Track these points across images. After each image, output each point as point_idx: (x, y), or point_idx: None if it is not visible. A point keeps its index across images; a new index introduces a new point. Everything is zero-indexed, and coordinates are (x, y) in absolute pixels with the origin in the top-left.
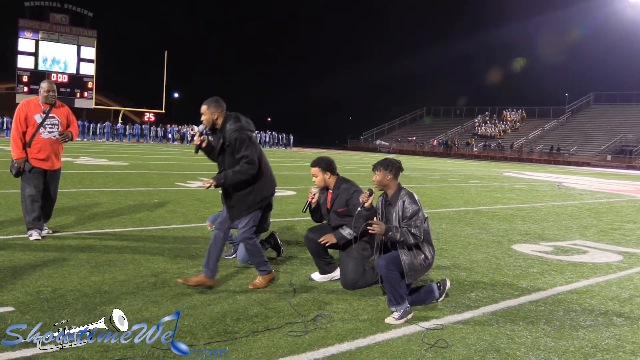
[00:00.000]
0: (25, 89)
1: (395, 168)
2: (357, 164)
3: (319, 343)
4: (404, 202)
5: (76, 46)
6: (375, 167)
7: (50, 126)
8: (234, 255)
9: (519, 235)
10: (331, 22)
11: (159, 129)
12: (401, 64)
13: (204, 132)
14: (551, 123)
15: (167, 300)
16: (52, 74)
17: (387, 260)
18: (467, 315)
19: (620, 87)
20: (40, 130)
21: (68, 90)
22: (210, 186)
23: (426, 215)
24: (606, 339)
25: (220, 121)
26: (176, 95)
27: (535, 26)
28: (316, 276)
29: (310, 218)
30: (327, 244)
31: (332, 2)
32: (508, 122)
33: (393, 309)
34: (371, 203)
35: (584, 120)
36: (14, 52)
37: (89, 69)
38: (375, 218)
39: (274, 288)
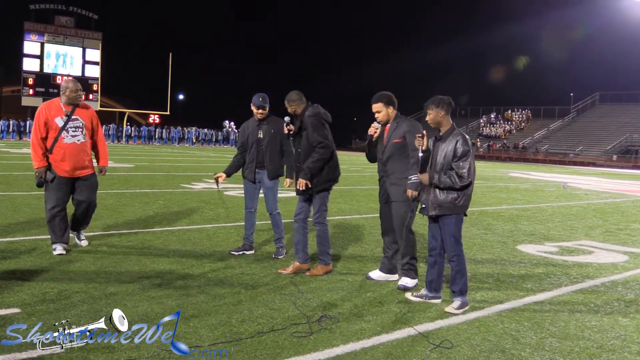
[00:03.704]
0: (31, 91)
1: (446, 104)
2: (362, 165)
3: (323, 344)
4: (457, 142)
5: (81, 48)
6: (427, 106)
7: (73, 129)
8: (242, 252)
9: (524, 235)
10: (331, 24)
11: (164, 130)
12: (404, 64)
13: (290, 122)
14: (556, 123)
15: (173, 301)
16: (58, 77)
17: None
18: (472, 315)
19: (626, 86)
20: (63, 135)
21: None
22: (303, 187)
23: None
24: (612, 339)
25: (299, 110)
26: (181, 97)
27: (540, 26)
28: (375, 274)
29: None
30: (414, 198)
31: (333, 5)
32: (513, 123)
33: (457, 298)
34: (427, 144)
35: (589, 120)
36: (20, 55)
37: (94, 71)
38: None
39: (279, 289)
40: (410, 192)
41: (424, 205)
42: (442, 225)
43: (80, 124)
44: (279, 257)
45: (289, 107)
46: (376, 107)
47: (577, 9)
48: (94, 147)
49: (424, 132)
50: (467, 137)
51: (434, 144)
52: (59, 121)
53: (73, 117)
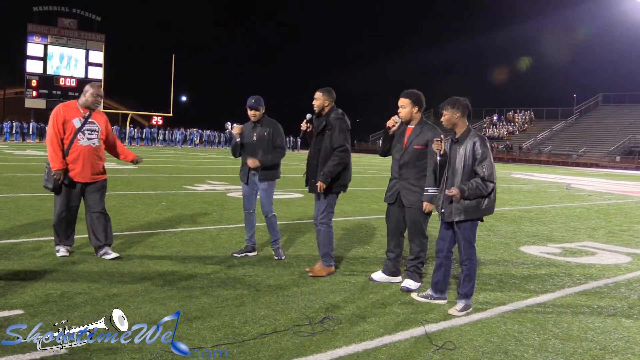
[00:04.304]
0: (34, 93)
1: (462, 106)
2: (365, 166)
3: (326, 345)
4: (474, 143)
5: (84, 50)
6: (443, 106)
7: (89, 132)
8: (244, 254)
9: (527, 237)
10: (332, 25)
11: (166, 132)
12: (405, 64)
13: (311, 120)
14: (559, 124)
15: (176, 302)
16: (61, 78)
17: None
18: (475, 317)
19: (629, 87)
20: (79, 137)
21: (77, 94)
22: (323, 191)
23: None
24: (615, 340)
25: (327, 109)
26: (184, 98)
27: (542, 27)
28: (377, 276)
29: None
30: (427, 211)
31: (333, 5)
32: (516, 124)
33: (461, 301)
34: (444, 148)
35: (592, 121)
36: (23, 57)
37: (97, 73)
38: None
39: (281, 291)
40: (427, 206)
41: (443, 210)
42: (458, 228)
43: (97, 128)
44: (281, 258)
45: (319, 100)
46: (403, 102)
47: (579, 10)
48: (113, 148)
49: (442, 136)
50: (486, 139)
51: (450, 147)
52: (77, 122)
53: (90, 120)
